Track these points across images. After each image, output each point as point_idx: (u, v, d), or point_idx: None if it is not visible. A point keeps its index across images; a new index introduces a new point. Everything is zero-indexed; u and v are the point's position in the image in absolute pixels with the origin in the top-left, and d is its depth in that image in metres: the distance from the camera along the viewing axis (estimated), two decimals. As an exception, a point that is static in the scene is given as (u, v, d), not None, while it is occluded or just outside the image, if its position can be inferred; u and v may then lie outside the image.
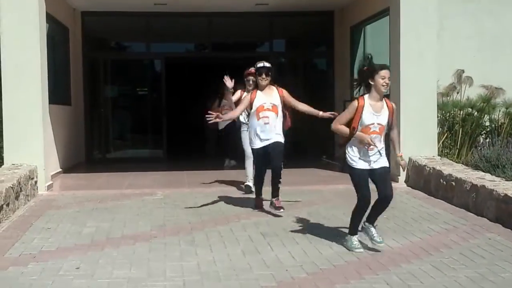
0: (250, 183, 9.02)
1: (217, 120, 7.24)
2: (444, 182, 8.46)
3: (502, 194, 6.93)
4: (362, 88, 5.92)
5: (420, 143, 9.79)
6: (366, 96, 5.79)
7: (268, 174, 7.75)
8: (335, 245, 6.07)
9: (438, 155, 9.97)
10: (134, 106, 14.96)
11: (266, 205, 7.86)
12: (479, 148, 9.63)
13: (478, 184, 7.55)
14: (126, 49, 15.86)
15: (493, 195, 7.11)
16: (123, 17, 13.66)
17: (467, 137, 10.77)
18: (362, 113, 5.71)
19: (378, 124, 5.76)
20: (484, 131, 11.22)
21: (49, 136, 10.09)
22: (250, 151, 8.23)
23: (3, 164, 9.31)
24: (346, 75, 13.31)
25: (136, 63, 15.29)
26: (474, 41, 11.91)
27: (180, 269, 5.30)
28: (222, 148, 13.17)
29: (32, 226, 7.04)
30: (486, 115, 11.19)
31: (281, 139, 7.43)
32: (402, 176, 9.79)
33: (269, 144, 7.37)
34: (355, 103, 5.77)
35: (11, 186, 7.69)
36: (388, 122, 5.83)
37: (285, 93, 7.52)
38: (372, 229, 5.93)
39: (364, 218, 6.00)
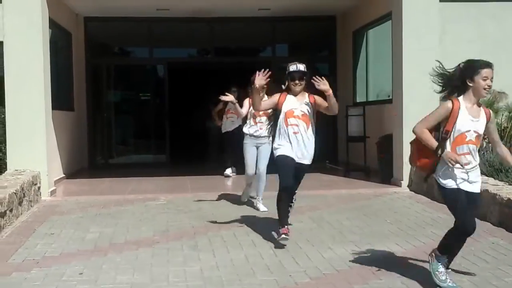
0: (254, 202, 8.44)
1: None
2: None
3: (505, 199, 6.92)
4: (447, 91, 4.89)
5: (423, 147, 9.77)
6: (460, 97, 4.75)
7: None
8: (338, 250, 6.06)
9: (441, 159, 9.94)
10: (137, 111, 14.97)
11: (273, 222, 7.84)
12: (482, 152, 9.61)
13: (481, 189, 7.52)
14: (129, 55, 15.88)
15: (496, 199, 7.09)
16: (125, 22, 13.69)
17: (470, 141, 10.74)
18: (457, 117, 4.68)
19: (475, 132, 4.75)
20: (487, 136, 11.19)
21: (52, 142, 10.10)
22: (251, 171, 8.13)
23: (6, 170, 9.32)
24: (348, 80, 13.31)
25: (139, 68, 15.32)
26: (476, 45, 11.89)
27: (183, 274, 5.30)
28: (223, 152, 12.76)
29: (35, 231, 7.04)
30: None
31: (310, 160, 6.42)
32: (405, 180, 9.78)
33: (297, 163, 6.31)
34: (449, 104, 4.71)
35: (14, 192, 7.70)
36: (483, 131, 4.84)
37: (317, 99, 6.40)
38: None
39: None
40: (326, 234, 6.77)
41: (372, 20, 11.92)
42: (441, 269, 4.88)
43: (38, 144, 9.32)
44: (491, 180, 8.05)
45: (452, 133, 4.67)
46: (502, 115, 11.25)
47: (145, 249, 6.16)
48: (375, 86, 12.53)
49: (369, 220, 7.50)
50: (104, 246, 6.35)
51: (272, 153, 6.78)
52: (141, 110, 15.00)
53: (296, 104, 6.32)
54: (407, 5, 9.79)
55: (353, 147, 12.04)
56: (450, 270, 5.05)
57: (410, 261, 5.65)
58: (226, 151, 12.18)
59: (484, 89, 4.66)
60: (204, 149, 15.52)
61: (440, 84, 4.91)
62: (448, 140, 4.71)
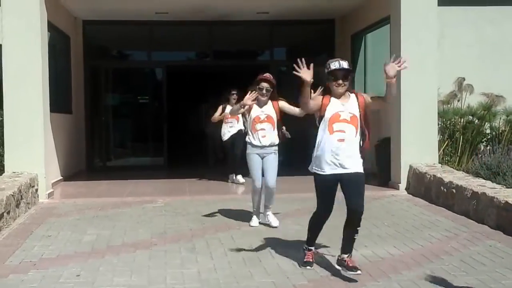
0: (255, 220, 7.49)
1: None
2: (445, 190, 8.45)
3: (503, 202, 6.92)
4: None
5: (421, 150, 9.80)
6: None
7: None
8: (336, 252, 6.05)
9: (439, 162, 9.97)
10: (135, 114, 14.97)
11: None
12: (480, 155, 9.64)
13: (478, 192, 7.54)
14: (127, 58, 15.88)
15: (493, 202, 7.10)
16: (124, 26, 13.69)
17: (468, 144, 10.77)
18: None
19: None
20: (485, 139, 11.23)
21: (50, 144, 10.10)
22: (257, 183, 7.25)
23: (4, 172, 9.31)
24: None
25: (137, 71, 15.32)
26: (474, 49, 11.94)
27: (181, 276, 5.30)
28: (224, 158, 12.24)
29: (32, 233, 7.04)
30: (486, 123, 11.20)
31: (361, 168, 5.29)
32: (403, 183, 9.79)
33: (344, 174, 5.23)
34: None
35: (12, 194, 7.69)
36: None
37: (366, 98, 5.45)
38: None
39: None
40: (323, 237, 6.74)
41: (370, 23, 11.93)
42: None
43: (36, 146, 9.32)
44: (488, 183, 8.06)
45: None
46: (500, 118, 11.27)
47: (143, 252, 6.16)
48: (373, 89, 12.53)
49: (367, 223, 7.46)
50: (101, 248, 6.34)
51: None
52: (139, 113, 14.99)
53: (341, 107, 5.32)
54: (405, 9, 9.81)
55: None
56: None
57: (408, 263, 5.64)
58: (231, 162, 11.38)
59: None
60: (202, 152, 15.49)
61: None
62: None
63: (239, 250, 6.17)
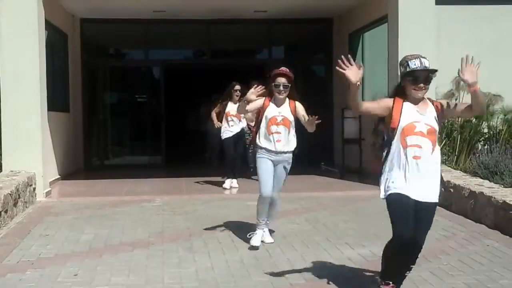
0: (256, 237, 6.37)
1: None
2: (443, 189, 8.41)
3: (501, 201, 6.93)
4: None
5: (419, 149, 9.78)
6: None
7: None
8: (334, 252, 6.06)
9: (437, 161, 9.95)
10: (132, 112, 14.97)
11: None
12: (478, 155, 9.64)
13: (476, 191, 7.55)
14: (125, 56, 15.89)
15: (491, 201, 7.11)
16: (122, 24, 13.67)
17: (466, 144, 10.78)
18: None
19: None
20: (483, 138, 11.24)
21: (48, 143, 10.08)
22: (267, 190, 6.17)
23: (1, 171, 9.30)
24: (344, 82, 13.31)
25: (135, 69, 15.33)
26: (472, 47, 11.79)
27: (178, 275, 5.30)
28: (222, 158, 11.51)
29: (30, 233, 7.02)
30: (484, 122, 11.21)
31: (437, 195, 4.45)
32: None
33: (421, 203, 4.35)
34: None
35: (10, 193, 7.68)
36: None
37: (443, 102, 4.55)
38: None
39: None
40: (322, 236, 6.77)
41: (368, 22, 11.93)
42: None
43: (33, 145, 9.30)
44: (486, 183, 8.07)
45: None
46: (498, 117, 11.28)
47: (140, 251, 6.15)
48: (370, 88, 12.54)
49: (365, 222, 7.50)
50: (99, 247, 6.34)
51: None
52: (137, 111, 15.00)
53: (418, 116, 4.34)
54: (403, 8, 9.81)
55: (349, 149, 12.05)
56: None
57: (405, 263, 5.65)
58: (228, 163, 10.61)
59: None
60: (200, 150, 15.48)
61: None
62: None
63: (237, 249, 6.17)
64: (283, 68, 6.20)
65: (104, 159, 14.36)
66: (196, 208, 8.48)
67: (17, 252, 6.13)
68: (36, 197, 9.17)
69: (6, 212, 7.45)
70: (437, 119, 4.37)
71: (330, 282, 5.07)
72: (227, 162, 10.58)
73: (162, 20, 13.32)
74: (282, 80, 6.15)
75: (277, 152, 6.18)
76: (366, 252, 6.01)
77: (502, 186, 7.78)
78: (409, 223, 4.30)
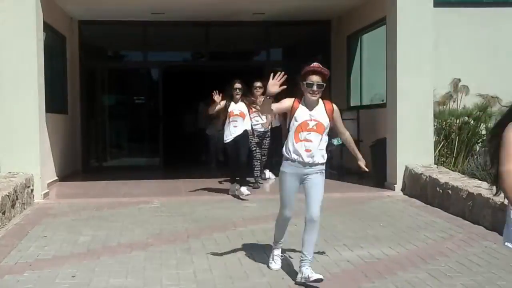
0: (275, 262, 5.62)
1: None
2: (441, 191, 8.46)
3: (499, 203, 6.92)
4: None
5: (417, 151, 9.80)
6: None
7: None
8: (332, 253, 6.06)
9: (435, 163, 9.98)
10: (131, 114, 14.96)
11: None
12: (476, 156, 9.66)
13: (474, 193, 7.56)
14: (124, 58, 15.88)
15: (489, 203, 7.11)
16: (120, 26, 13.68)
17: (464, 145, 10.80)
18: None
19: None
20: (481, 140, 11.25)
21: (46, 145, 10.08)
22: (288, 212, 5.35)
23: (-1, 173, 9.30)
24: (342, 84, 13.33)
25: (133, 72, 15.32)
26: (470, 50, 11.96)
27: (176, 277, 5.30)
28: (225, 161, 11.30)
29: (28, 234, 7.02)
30: (482, 124, 11.23)
31: None
32: (399, 184, 9.80)
33: None
34: None
35: (7, 194, 7.67)
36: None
37: None
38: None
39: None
40: (320, 237, 6.76)
41: (366, 24, 11.94)
42: None
43: (31, 146, 9.29)
44: (484, 184, 8.06)
45: None
46: (496, 119, 11.29)
47: (138, 252, 6.15)
48: (369, 90, 12.56)
49: (363, 224, 7.50)
50: (97, 249, 6.34)
51: None
52: (135, 113, 14.99)
53: None
54: (401, 10, 9.82)
55: (347, 151, 12.01)
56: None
57: (403, 264, 5.65)
58: (230, 163, 9.87)
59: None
60: (198, 152, 15.48)
61: None
62: None
63: (235, 250, 6.17)
64: (315, 64, 5.21)
65: (102, 161, 14.35)
66: (194, 210, 8.48)
67: (15, 254, 6.12)
68: (34, 198, 9.15)
69: (3, 213, 7.44)
70: None
71: (328, 283, 5.07)
72: (232, 168, 9.83)
73: (160, 22, 13.33)
74: (315, 79, 5.10)
75: (305, 164, 5.11)
76: (364, 254, 6.01)
77: (500, 187, 7.77)
78: None
